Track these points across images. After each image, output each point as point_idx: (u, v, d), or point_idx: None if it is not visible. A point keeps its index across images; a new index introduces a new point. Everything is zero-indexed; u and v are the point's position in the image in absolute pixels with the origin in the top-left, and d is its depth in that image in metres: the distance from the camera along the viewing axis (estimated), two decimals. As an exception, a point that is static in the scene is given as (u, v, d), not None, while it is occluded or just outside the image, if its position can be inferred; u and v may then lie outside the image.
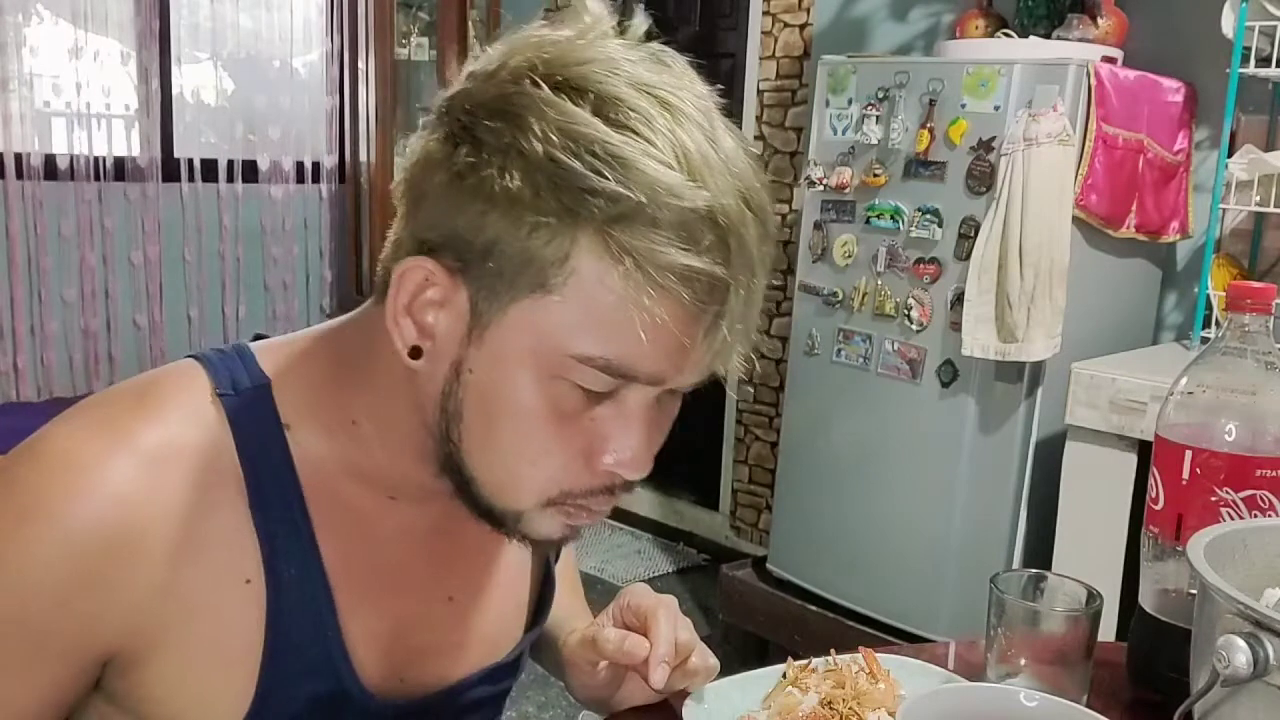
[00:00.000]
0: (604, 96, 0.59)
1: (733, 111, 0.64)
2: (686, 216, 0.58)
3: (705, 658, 0.82)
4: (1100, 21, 2.47)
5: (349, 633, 0.71)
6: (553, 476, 0.65)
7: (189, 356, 0.72)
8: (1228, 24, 2.23)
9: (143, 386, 0.69)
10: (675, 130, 0.59)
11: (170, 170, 3.93)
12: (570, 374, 0.61)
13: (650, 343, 0.60)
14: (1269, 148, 2.38)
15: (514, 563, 0.84)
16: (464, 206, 0.60)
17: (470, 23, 3.70)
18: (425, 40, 4.31)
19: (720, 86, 0.65)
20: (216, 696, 0.68)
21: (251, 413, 0.68)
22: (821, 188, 2.62)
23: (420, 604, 0.77)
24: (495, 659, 0.82)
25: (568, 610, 0.95)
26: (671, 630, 0.78)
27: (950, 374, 2.40)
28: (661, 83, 0.61)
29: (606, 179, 0.57)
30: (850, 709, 0.80)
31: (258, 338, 0.76)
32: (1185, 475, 0.83)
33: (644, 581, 0.84)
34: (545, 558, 0.88)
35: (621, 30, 0.64)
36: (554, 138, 0.58)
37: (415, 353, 0.65)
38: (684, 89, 0.61)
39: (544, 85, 0.60)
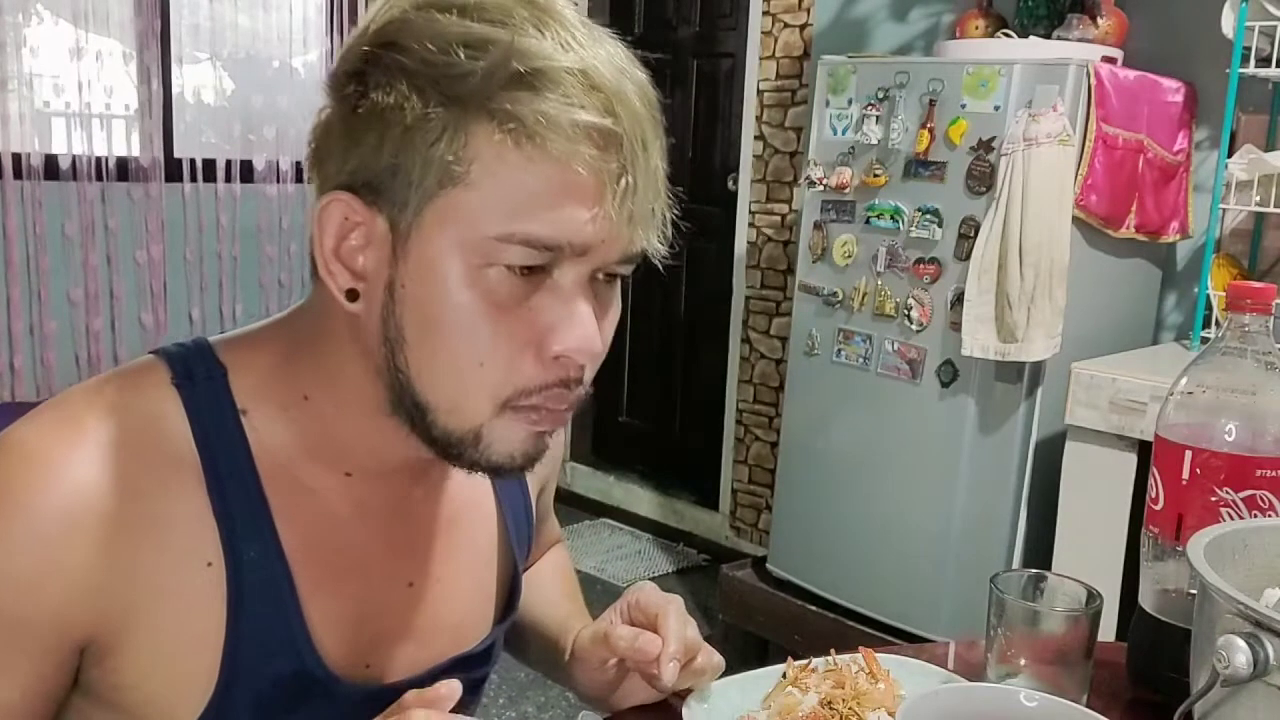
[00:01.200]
0: (471, 5, 0.62)
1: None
2: (562, 77, 0.60)
3: (710, 656, 0.82)
4: (1100, 21, 2.47)
5: (311, 615, 0.72)
6: (503, 375, 0.65)
7: (150, 352, 0.73)
8: (1228, 24, 2.23)
9: (102, 381, 0.71)
10: (541, 16, 0.62)
11: (172, 170, 3.94)
12: (496, 257, 0.62)
13: (563, 207, 0.61)
14: (1269, 148, 2.38)
15: (477, 553, 0.85)
16: (361, 139, 0.63)
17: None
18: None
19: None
20: (184, 679, 0.69)
21: (208, 400, 0.70)
22: (821, 188, 2.62)
23: (380, 589, 0.77)
24: (463, 648, 0.83)
25: (566, 613, 0.96)
26: (682, 628, 0.79)
27: (950, 374, 2.40)
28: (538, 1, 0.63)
29: (478, 60, 0.60)
30: (850, 709, 0.80)
31: None
32: (1185, 475, 0.83)
33: (677, 600, 0.84)
34: (513, 556, 0.88)
35: None
36: (428, 44, 0.61)
37: (352, 296, 0.66)
38: (563, 6, 0.64)
39: (416, 10, 0.63)
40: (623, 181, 0.62)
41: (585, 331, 0.64)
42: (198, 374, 0.70)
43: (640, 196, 0.63)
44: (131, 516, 0.66)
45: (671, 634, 0.78)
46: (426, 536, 0.80)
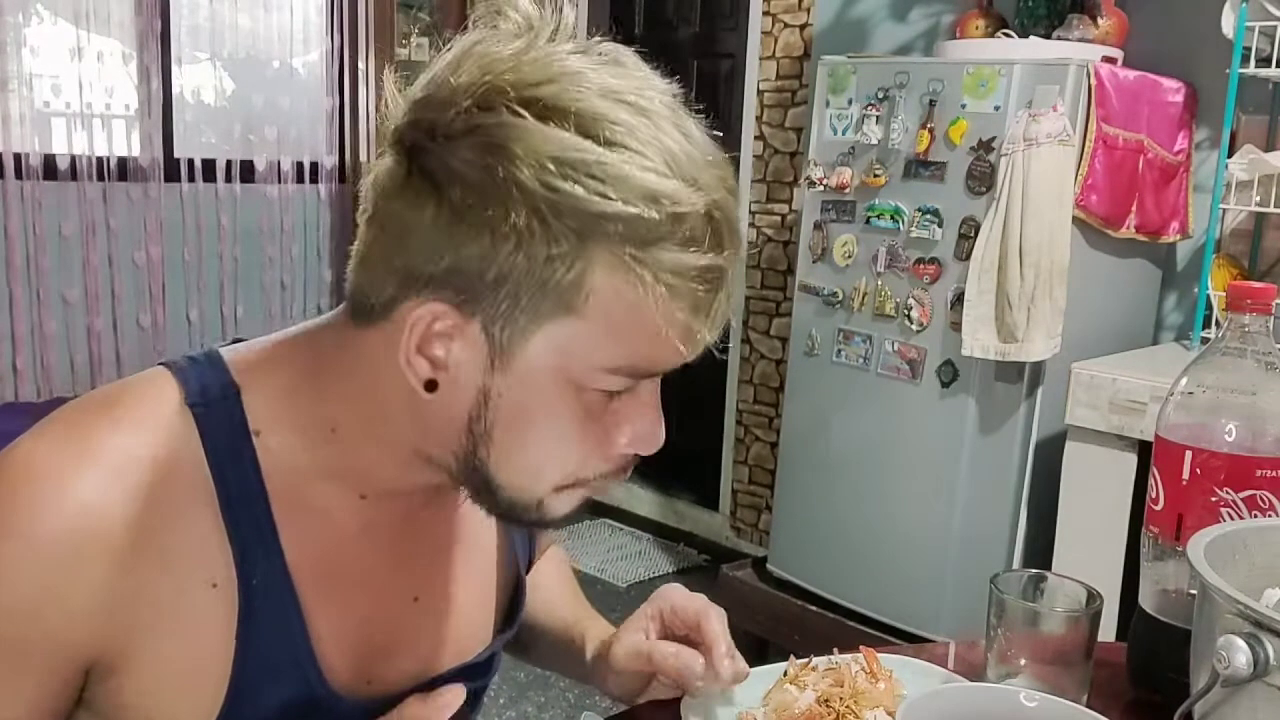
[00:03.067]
0: (584, 114, 0.60)
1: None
2: (691, 220, 0.61)
3: (741, 666, 0.85)
4: (1100, 21, 2.47)
5: (315, 632, 0.72)
6: (575, 469, 0.68)
7: (160, 364, 0.72)
8: (1228, 24, 2.23)
9: (111, 396, 0.70)
10: (659, 136, 0.61)
11: (171, 170, 3.94)
12: (598, 384, 0.65)
13: (670, 341, 0.63)
14: (1269, 148, 2.38)
15: (480, 566, 0.85)
16: (465, 243, 0.61)
17: (470, 23, 3.70)
18: (425, 40, 4.31)
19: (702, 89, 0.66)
20: (189, 702, 0.68)
21: (220, 421, 0.69)
22: (821, 188, 2.62)
23: (385, 604, 0.77)
24: (465, 659, 0.83)
25: (573, 613, 0.97)
26: (724, 628, 0.84)
27: (950, 374, 2.40)
28: (629, 88, 0.62)
29: (612, 199, 0.59)
30: (847, 707, 0.80)
31: (235, 341, 0.76)
32: (1185, 475, 0.83)
33: (644, 582, 0.86)
34: (516, 563, 0.89)
35: (556, 28, 0.65)
36: (549, 166, 0.59)
37: (430, 386, 0.65)
38: (650, 89, 0.63)
39: (524, 112, 0.60)
40: (719, 307, 0.64)
41: (656, 432, 0.69)
42: (212, 395, 0.69)
43: (728, 309, 0.66)
44: (139, 541, 0.65)
45: (718, 636, 0.83)
46: (432, 551, 0.80)
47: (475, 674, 0.84)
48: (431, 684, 0.77)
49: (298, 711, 0.72)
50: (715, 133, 0.65)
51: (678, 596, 0.86)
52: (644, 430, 0.68)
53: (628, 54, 0.65)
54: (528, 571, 0.92)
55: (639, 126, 0.60)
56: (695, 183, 0.61)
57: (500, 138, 0.59)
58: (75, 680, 0.67)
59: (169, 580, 0.66)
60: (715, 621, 0.83)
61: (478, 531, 0.84)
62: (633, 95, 0.61)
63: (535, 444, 0.66)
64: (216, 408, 0.69)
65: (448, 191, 0.61)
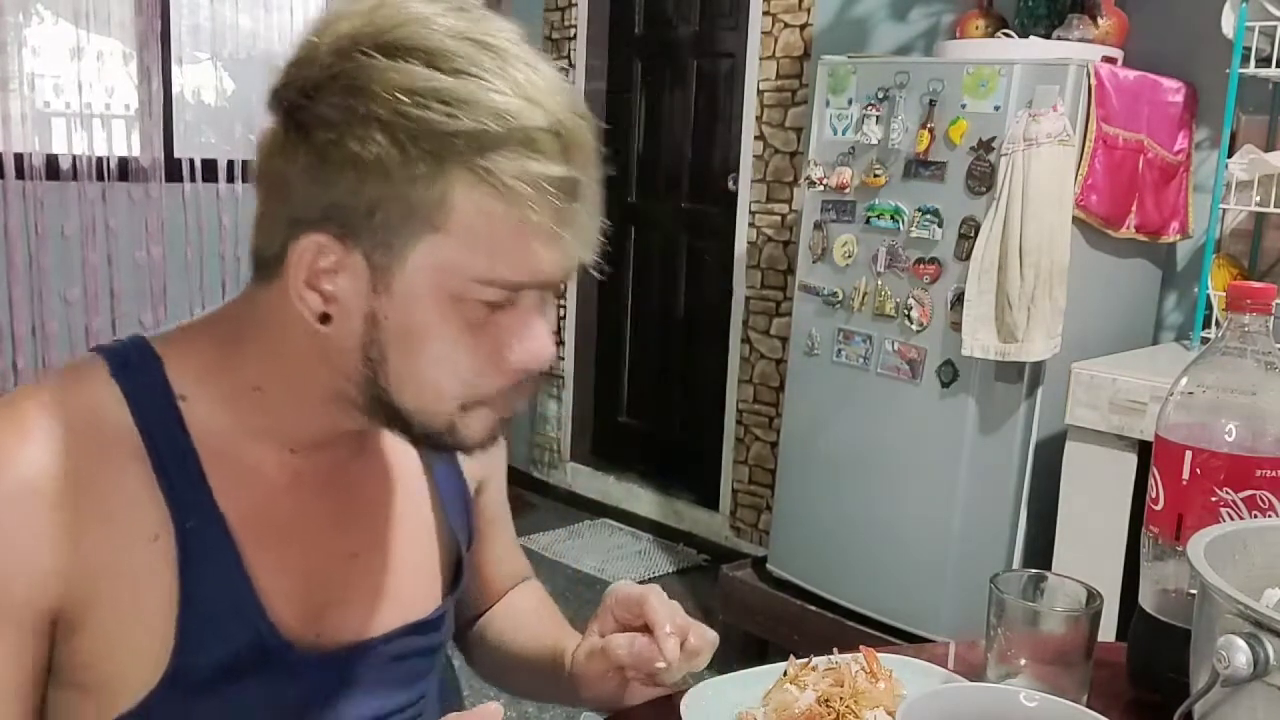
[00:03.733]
0: (433, 51, 0.66)
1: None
2: (534, 134, 0.66)
3: (704, 633, 0.85)
4: (1100, 21, 2.47)
5: (259, 583, 0.76)
6: (470, 383, 0.72)
7: (90, 349, 0.78)
8: (1228, 24, 2.23)
9: (44, 376, 0.77)
10: (504, 67, 0.67)
11: (172, 170, 3.94)
12: (474, 294, 0.69)
13: (534, 251, 0.68)
14: (1269, 148, 2.38)
15: (417, 527, 0.89)
16: (335, 180, 0.67)
17: None
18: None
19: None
20: (140, 653, 0.73)
21: (145, 387, 0.75)
22: (821, 188, 2.62)
23: (324, 560, 0.81)
24: (413, 618, 0.86)
25: (557, 639, 0.98)
26: (666, 606, 0.84)
27: (950, 374, 2.40)
28: (476, 29, 0.68)
29: (460, 119, 0.65)
30: (847, 707, 0.80)
31: None
32: (1185, 475, 0.83)
33: (644, 582, 0.87)
34: (454, 538, 0.92)
35: None
36: (402, 97, 0.65)
37: (324, 319, 0.71)
38: (496, 29, 0.69)
39: (377, 55, 0.66)
40: (581, 220, 0.70)
41: (542, 345, 0.73)
42: (134, 364, 0.75)
43: (592, 227, 0.71)
44: (80, 501, 0.70)
45: (659, 613, 0.83)
46: (365, 508, 0.84)
47: (426, 630, 0.88)
48: (382, 640, 0.83)
49: (250, 660, 0.76)
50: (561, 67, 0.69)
51: (621, 589, 0.88)
52: (532, 345, 0.72)
53: (474, 2, 0.71)
54: (468, 548, 0.95)
55: (485, 59, 0.66)
56: (540, 103, 0.66)
57: (358, 79, 0.66)
58: (45, 642, 0.72)
59: (111, 536, 0.71)
60: (655, 601, 0.84)
61: (409, 496, 0.88)
62: (479, 34, 0.67)
63: (429, 363, 0.70)
64: (140, 376, 0.75)
65: (316, 136, 0.67)
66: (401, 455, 0.87)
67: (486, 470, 0.98)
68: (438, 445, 0.76)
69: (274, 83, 0.70)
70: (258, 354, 0.76)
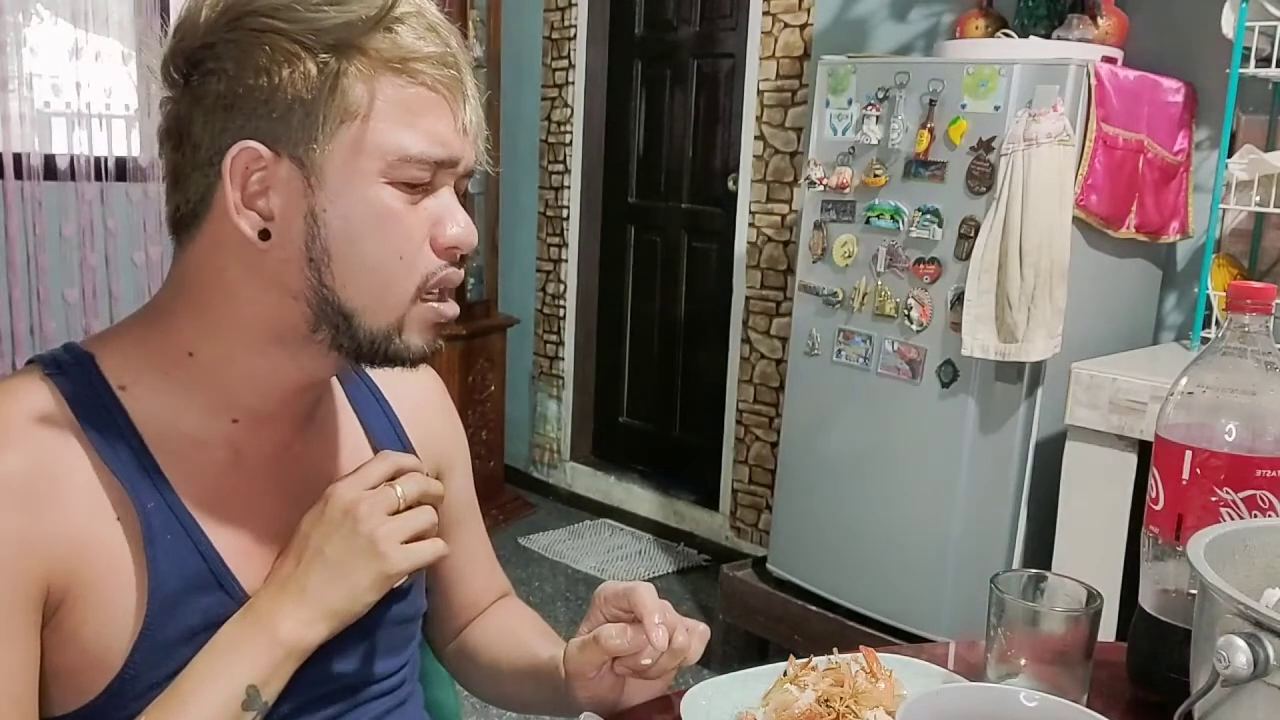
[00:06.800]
0: None
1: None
2: (410, 18, 0.74)
3: (694, 627, 0.86)
4: (1100, 21, 2.47)
5: (224, 552, 0.80)
6: (414, 266, 0.77)
7: (28, 361, 0.81)
8: (1228, 24, 2.23)
9: None
10: None
11: (170, 170, 3.94)
12: (396, 173, 0.74)
13: (436, 123, 0.75)
14: (1269, 148, 2.38)
15: None
16: (245, 103, 0.73)
17: (470, 23, 3.69)
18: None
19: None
20: (115, 621, 0.76)
21: (78, 381, 0.78)
22: (821, 188, 2.62)
23: (283, 530, 0.82)
24: None
25: (551, 655, 0.97)
26: (654, 598, 0.86)
27: (950, 374, 2.40)
28: None
29: (337, 14, 0.72)
30: (847, 706, 0.80)
31: None
32: (1185, 475, 0.83)
33: (644, 582, 0.87)
34: None
35: None
36: (280, 8, 0.72)
37: (265, 235, 0.75)
38: None
39: None
40: (465, 96, 0.77)
41: (467, 225, 0.78)
42: (67, 365, 0.78)
43: (476, 109, 0.78)
44: (39, 488, 0.73)
45: (647, 604, 0.85)
46: (314, 483, 0.85)
47: (395, 599, 0.88)
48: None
49: (220, 620, 0.79)
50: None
51: (609, 587, 0.90)
52: (455, 223, 0.78)
53: None
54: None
55: None
56: None
57: (243, 7, 0.73)
58: (39, 619, 0.74)
59: (74, 519, 0.74)
60: (643, 593, 0.86)
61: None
62: None
63: (372, 246, 0.75)
64: (71, 372, 0.78)
65: (217, 75, 0.74)
66: (345, 432, 0.90)
67: (442, 457, 0.99)
68: (383, 358, 0.79)
69: (163, 55, 0.78)
70: (188, 317, 0.79)
